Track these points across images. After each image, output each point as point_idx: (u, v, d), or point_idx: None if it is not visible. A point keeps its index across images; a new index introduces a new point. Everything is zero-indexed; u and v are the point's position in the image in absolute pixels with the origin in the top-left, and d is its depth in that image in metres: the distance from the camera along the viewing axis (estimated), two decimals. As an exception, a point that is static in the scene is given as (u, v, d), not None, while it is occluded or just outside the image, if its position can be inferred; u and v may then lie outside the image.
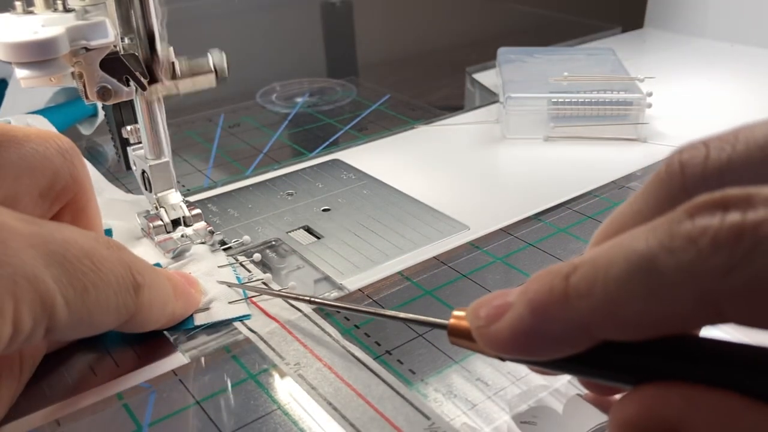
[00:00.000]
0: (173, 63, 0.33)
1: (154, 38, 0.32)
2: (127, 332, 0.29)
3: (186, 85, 0.34)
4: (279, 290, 0.32)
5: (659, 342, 0.17)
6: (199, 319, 0.31)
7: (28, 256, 0.21)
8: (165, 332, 0.30)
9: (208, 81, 0.34)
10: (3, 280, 0.20)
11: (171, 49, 0.33)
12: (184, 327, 0.30)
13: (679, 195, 0.17)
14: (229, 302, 0.32)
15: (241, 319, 0.31)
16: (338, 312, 0.31)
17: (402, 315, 0.25)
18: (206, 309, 0.31)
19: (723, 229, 0.15)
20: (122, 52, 0.31)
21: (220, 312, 0.31)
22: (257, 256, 0.35)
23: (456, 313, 0.21)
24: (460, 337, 0.21)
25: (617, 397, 0.19)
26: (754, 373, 0.16)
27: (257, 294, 0.32)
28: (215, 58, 0.34)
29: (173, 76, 0.33)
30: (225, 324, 0.31)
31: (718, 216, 0.15)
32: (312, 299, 0.29)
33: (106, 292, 0.24)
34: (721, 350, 0.17)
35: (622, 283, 0.16)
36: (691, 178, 0.17)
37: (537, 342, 0.18)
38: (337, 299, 0.33)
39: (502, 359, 0.20)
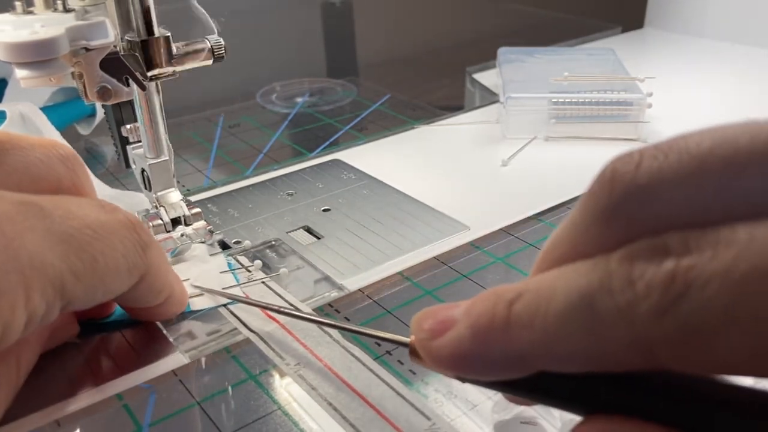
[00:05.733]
0: (168, 38, 0.33)
1: (151, 22, 0.32)
2: (136, 308, 0.30)
3: (183, 66, 0.33)
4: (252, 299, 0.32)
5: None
6: (196, 305, 0.32)
7: (31, 241, 0.21)
8: (165, 332, 0.30)
9: (204, 59, 0.34)
10: (11, 275, 0.21)
11: (168, 33, 0.33)
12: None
13: (608, 208, 0.17)
14: (223, 288, 0.32)
15: (236, 302, 0.32)
16: (338, 312, 0.31)
17: (367, 331, 0.24)
18: (200, 294, 0.32)
19: (658, 273, 0.15)
20: (122, 52, 0.31)
21: (216, 298, 0.32)
22: (258, 263, 0.35)
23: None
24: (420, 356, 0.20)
25: None
26: (700, 408, 0.16)
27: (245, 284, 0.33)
28: (211, 40, 0.34)
29: (170, 57, 0.33)
30: (223, 305, 0.32)
31: (656, 262, 0.15)
32: (280, 309, 0.29)
33: (114, 256, 0.24)
34: (668, 383, 0.16)
35: (560, 319, 0.16)
36: (618, 189, 0.17)
37: (476, 364, 0.18)
38: (333, 299, 0.33)
39: (462, 380, 0.20)
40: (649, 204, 0.16)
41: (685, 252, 0.15)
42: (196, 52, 0.33)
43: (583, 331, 0.16)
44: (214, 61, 0.34)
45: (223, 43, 0.34)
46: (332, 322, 0.27)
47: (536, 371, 0.17)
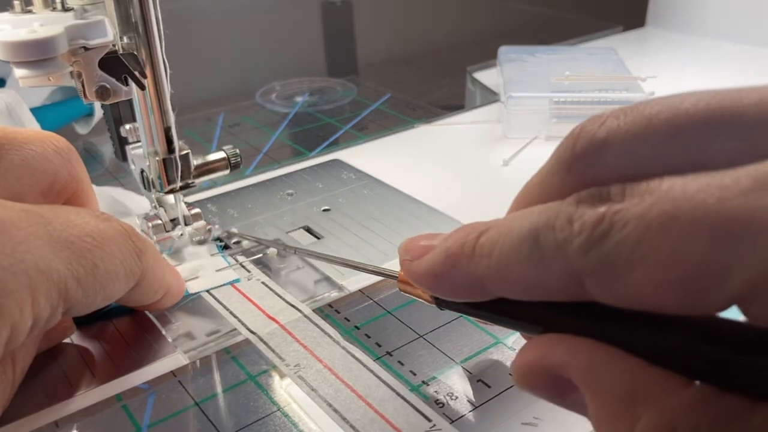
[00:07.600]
0: (188, 155, 0.34)
1: (172, 139, 0.33)
2: (133, 306, 0.30)
3: (201, 178, 0.35)
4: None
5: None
6: (193, 288, 0.33)
7: (36, 247, 0.22)
8: (164, 332, 0.30)
9: (221, 170, 0.36)
10: (18, 276, 0.21)
11: (188, 150, 0.34)
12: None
13: (570, 158, 0.19)
14: (217, 270, 0.34)
15: (232, 282, 0.33)
16: (338, 313, 0.31)
17: (356, 264, 0.29)
18: (195, 278, 0.33)
19: (593, 215, 0.17)
20: (121, 52, 0.31)
21: (210, 280, 0.33)
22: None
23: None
24: (407, 284, 0.25)
25: None
26: (626, 327, 0.17)
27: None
28: (228, 151, 0.36)
29: (189, 171, 0.34)
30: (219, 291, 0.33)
31: (594, 206, 0.17)
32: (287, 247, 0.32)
33: (113, 263, 0.25)
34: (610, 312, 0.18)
35: (511, 250, 0.19)
36: (580, 143, 0.19)
37: (444, 284, 0.21)
38: (333, 300, 0.33)
39: (439, 306, 0.24)
40: (602, 156, 0.18)
41: (620, 199, 0.17)
42: (214, 162, 0.35)
43: (528, 261, 0.18)
44: (230, 170, 0.36)
45: (238, 152, 0.36)
46: (323, 255, 0.31)
47: (495, 297, 0.20)
